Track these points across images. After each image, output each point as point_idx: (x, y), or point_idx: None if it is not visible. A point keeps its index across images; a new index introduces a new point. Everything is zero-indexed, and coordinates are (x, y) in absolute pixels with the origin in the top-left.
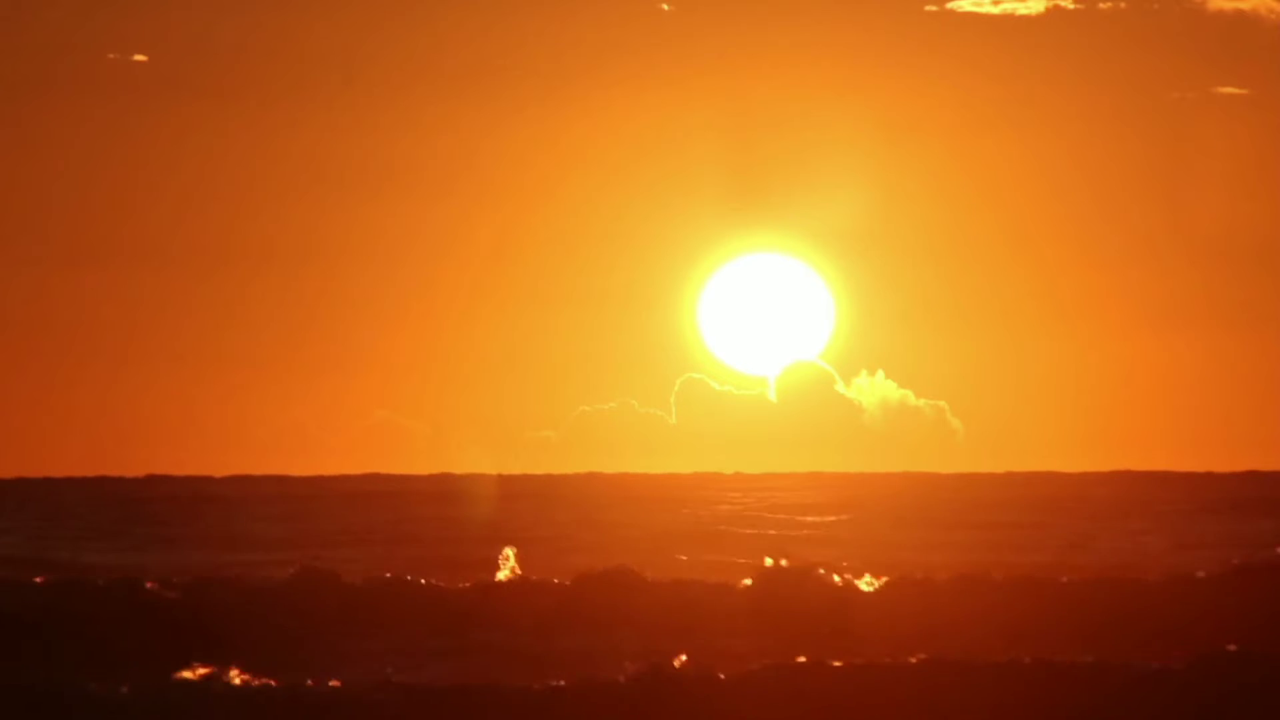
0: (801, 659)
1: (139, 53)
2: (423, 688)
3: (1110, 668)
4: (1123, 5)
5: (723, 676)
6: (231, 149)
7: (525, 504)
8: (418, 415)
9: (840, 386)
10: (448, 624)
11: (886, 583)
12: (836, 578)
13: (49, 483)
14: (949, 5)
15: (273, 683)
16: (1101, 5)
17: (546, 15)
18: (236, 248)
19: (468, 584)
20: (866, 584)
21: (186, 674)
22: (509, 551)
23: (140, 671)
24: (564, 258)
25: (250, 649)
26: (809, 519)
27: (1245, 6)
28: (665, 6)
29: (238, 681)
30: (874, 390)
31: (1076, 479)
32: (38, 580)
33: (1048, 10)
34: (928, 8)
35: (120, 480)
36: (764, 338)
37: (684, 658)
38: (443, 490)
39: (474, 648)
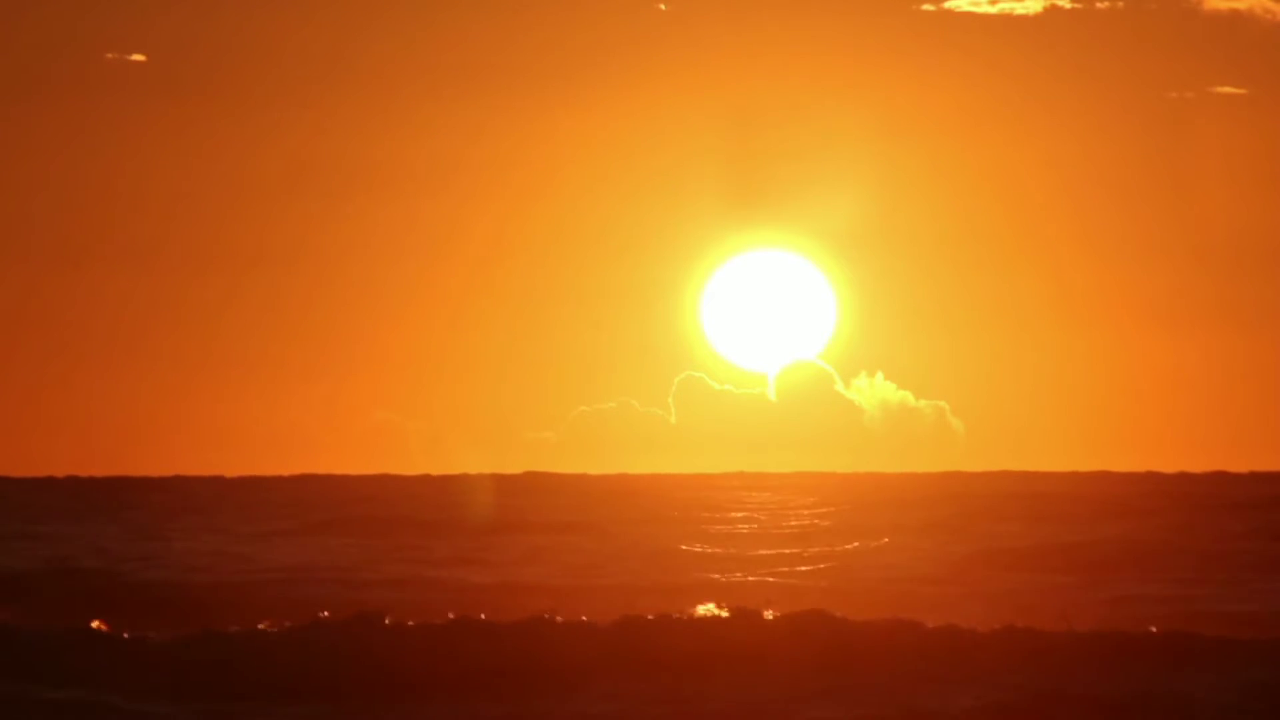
0: None
1: (137, 52)
2: None
3: None
4: (1120, 5)
5: None
6: (230, 148)
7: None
8: (417, 415)
9: (840, 387)
10: None
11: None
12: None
13: (45, 482)
14: (946, 4)
15: None
16: (1099, 5)
17: (543, 14)
18: (237, 247)
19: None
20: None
21: None
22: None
23: None
24: (563, 257)
25: None
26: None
27: (1241, 6)
28: (662, 6)
29: None
30: (874, 392)
31: (1076, 479)
32: None
33: (1045, 10)
34: (924, 7)
35: (121, 480)
36: (765, 334)
37: None
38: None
39: None
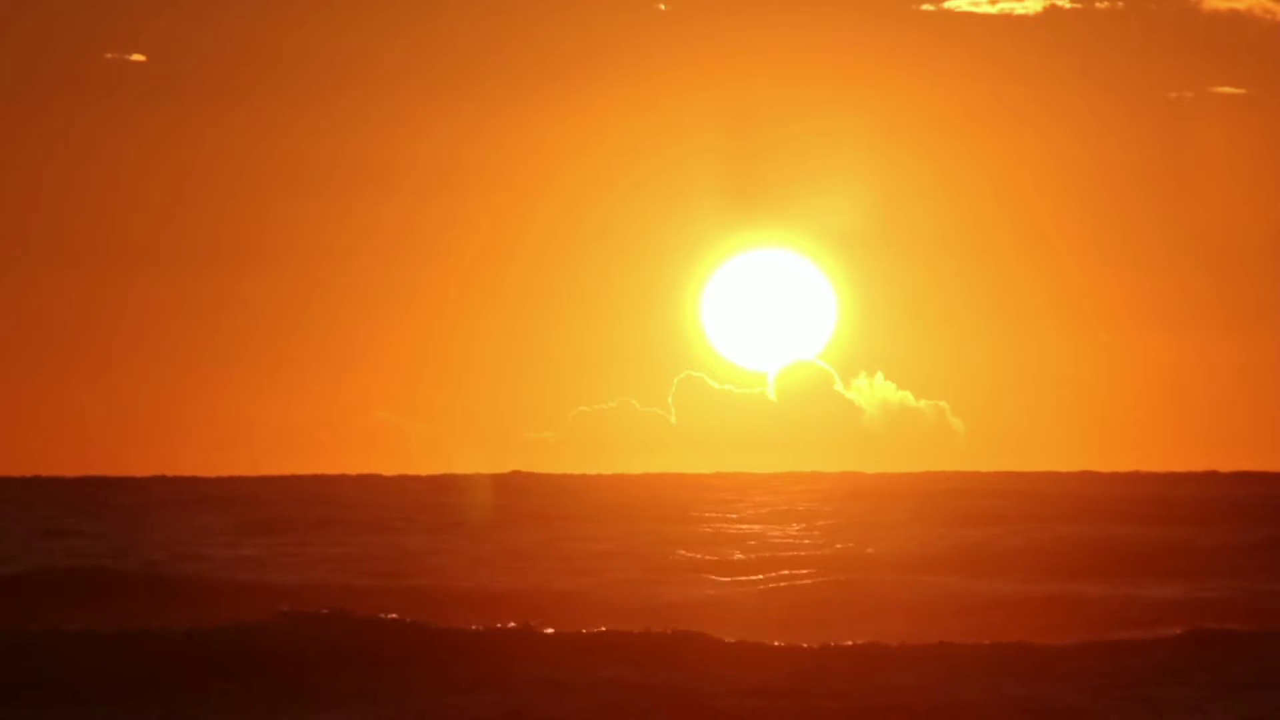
0: None
1: (137, 52)
2: None
3: None
4: (1119, 5)
5: None
6: (230, 148)
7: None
8: (417, 415)
9: (840, 387)
10: None
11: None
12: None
13: (46, 482)
14: (945, 4)
15: None
16: (1098, 5)
17: (543, 14)
18: (236, 247)
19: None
20: None
21: None
22: None
23: None
24: (563, 256)
25: None
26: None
27: (1240, 6)
28: (662, 6)
29: None
30: (873, 392)
31: (1078, 479)
32: None
33: (1045, 10)
34: (924, 7)
35: (120, 480)
36: (766, 333)
37: None
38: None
39: None
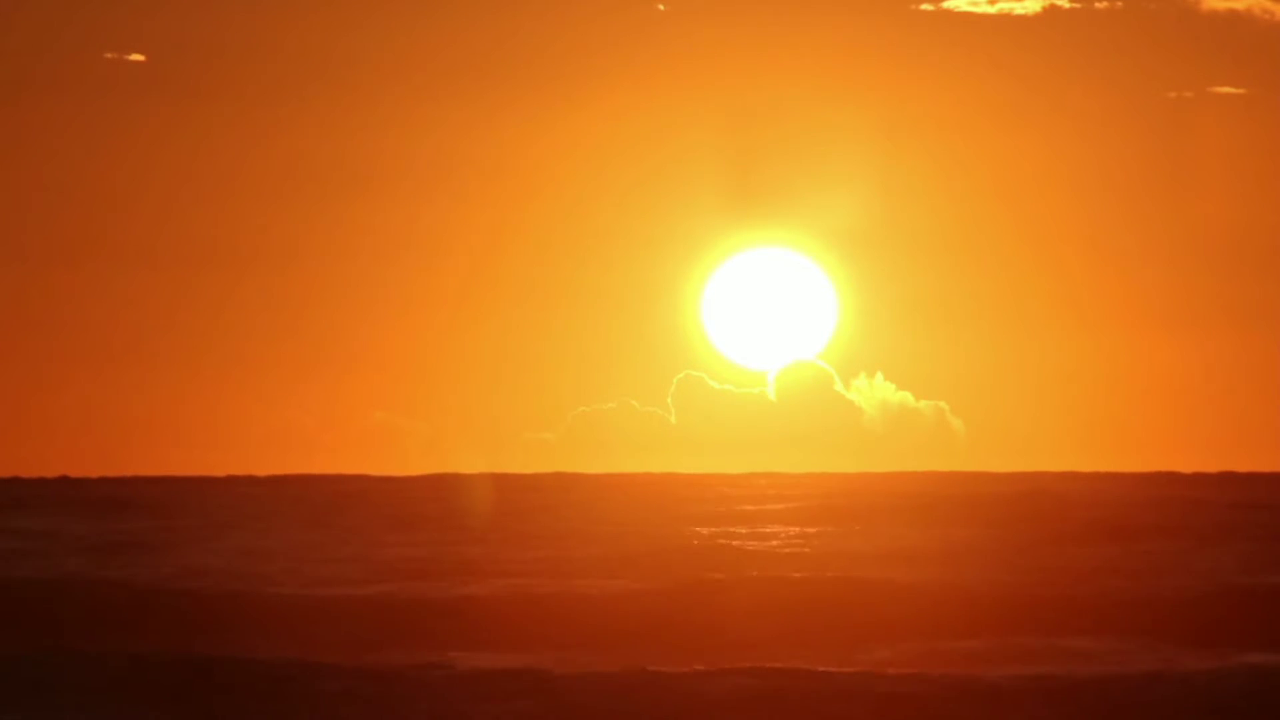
0: None
1: (136, 52)
2: None
3: None
4: (1119, 5)
5: None
6: (230, 148)
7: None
8: (416, 415)
9: (839, 387)
10: None
11: None
12: None
13: (45, 483)
14: (944, 4)
15: None
16: (1098, 5)
17: (542, 14)
18: (234, 247)
19: None
20: None
21: None
22: None
23: None
24: (562, 256)
25: None
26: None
27: (1239, 6)
28: (661, 6)
29: None
30: (873, 393)
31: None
32: None
33: (1044, 10)
34: (923, 6)
35: (120, 481)
36: (766, 333)
37: None
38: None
39: None
